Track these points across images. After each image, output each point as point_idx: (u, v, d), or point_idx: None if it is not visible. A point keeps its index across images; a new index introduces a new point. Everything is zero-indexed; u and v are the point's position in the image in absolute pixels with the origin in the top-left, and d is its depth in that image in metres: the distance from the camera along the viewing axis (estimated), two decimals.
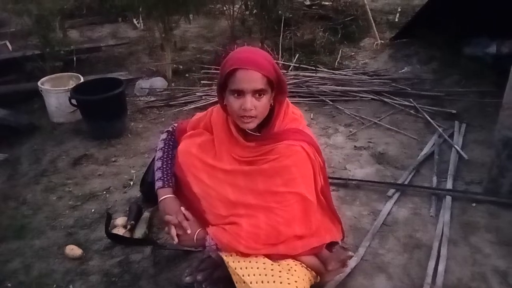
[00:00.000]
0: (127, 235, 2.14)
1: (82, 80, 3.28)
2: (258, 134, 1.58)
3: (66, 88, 3.10)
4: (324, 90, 3.55)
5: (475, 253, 2.03)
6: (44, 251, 2.11)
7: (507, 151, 2.18)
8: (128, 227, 2.17)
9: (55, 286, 1.92)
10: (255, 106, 1.45)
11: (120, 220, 2.21)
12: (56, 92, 3.15)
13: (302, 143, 1.56)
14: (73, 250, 2.07)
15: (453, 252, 2.02)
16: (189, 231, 1.55)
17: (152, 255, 2.05)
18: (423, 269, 1.93)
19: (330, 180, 2.42)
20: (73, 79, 3.34)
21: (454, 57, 3.91)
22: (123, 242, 2.10)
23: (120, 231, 2.15)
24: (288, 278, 1.48)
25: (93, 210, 2.37)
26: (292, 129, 1.59)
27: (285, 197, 1.54)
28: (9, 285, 1.93)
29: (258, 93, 1.44)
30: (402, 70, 3.95)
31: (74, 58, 3.78)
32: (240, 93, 1.43)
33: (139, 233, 2.15)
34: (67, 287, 1.91)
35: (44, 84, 3.21)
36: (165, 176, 1.66)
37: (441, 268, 1.93)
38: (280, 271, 1.50)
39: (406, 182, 2.48)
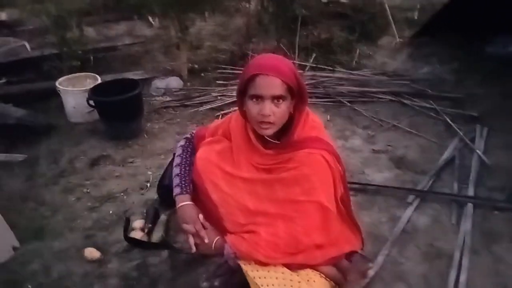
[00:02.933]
0: (145, 238, 2.14)
1: (99, 80, 3.29)
2: (277, 142, 1.57)
3: (84, 88, 3.11)
4: (341, 90, 3.50)
5: (498, 263, 1.98)
6: (63, 253, 2.12)
7: None
8: (146, 230, 2.17)
9: None
10: (274, 112, 1.44)
11: (137, 223, 2.21)
12: (74, 92, 3.16)
13: (322, 151, 1.55)
14: (91, 253, 2.08)
15: (474, 262, 1.98)
16: (206, 241, 1.55)
17: (170, 259, 2.05)
18: (444, 280, 1.90)
19: (349, 185, 2.41)
20: (90, 79, 3.35)
21: (476, 56, 3.83)
22: (141, 245, 2.11)
23: (137, 234, 2.15)
24: None
25: (111, 212, 2.37)
26: (312, 137, 1.58)
27: (304, 206, 1.53)
28: (29, 286, 1.94)
29: (277, 99, 1.43)
30: (422, 71, 3.88)
31: (91, 57, 3.79)
32: (259, 98, 1.43)
33: (156, 236, 2.15)
34: None
35: (62, 84, 3.22)
36: (183, 182, 1.66)
37: (462, 278, 1.89)
38: (299, 282, 1.50)
39: (426, 188, 2.44)
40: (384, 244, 2.09)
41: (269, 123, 1.46)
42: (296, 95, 1.49)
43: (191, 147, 1.77)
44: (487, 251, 2.05)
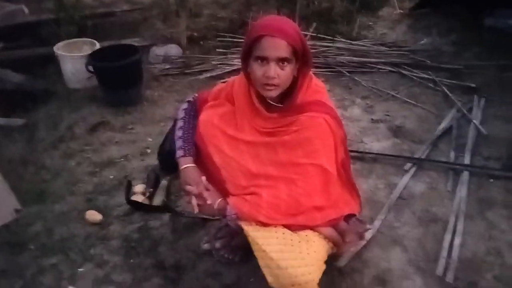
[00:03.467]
0: (146, 202, 2.17)
1: (97, 46, 3.26)
2: (280, 105, 1.58)
3: (83, 54, 3.09)
4: (341, 61, 3.50)
5: (491, 228, 2.04)
6: (65, 216, 2.15)
7: None
8: (147, 194, 2.20)
9: (76, 249, 1.97)
10: (278, 75, 1.43)
11: (138, 188, 2.24)
12: (72, 57, 3.14)
13: (325, 115, 1.55)
14: (93, 215, 2.11)
15: (469, 227, 2.04)
16: (209, 202, 1.56)
17: (171, 222, 2.09)
18: (439, 243, 1.95)
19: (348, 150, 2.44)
20: (88, 45, 3.32)
21: (475, 29, 3.82)
22: (143, 209, 2.14)
23: (138, 198, 2.18)
24: (307, 248, 1.50)
25: (111, 177, 2.39)
26: (315, 101, 1.58)
27: (306, 168, 1.55)
28: (32, 247, 1.98)
29: (282, 61, 1.42)
30: (421, 42, 3.87)
31: (89, 23, 3.73)
32: (264, 60, 1.42)
33: (157, 200, 2.18)
34: (88, 251, 1.96)
35: (60, 49, 3.19)
36: (186, 145, 1.66)
37: (456, 242, 1.94)
38: (299, 241, 1.52)
39: (423, 157, 2.48)
40: (381, 209, 2.14)
41: (273, 85, 1.46)
42: (301, 58, 1.48)
43: (194, 110, 1.77)
44: (481, 217, 2.10)
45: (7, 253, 1.95)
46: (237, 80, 1.68)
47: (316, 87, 1.62)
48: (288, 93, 1.54)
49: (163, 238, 2.02)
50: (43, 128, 2.81)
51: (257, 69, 1.45)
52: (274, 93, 1.49)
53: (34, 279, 1.83)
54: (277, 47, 1.41)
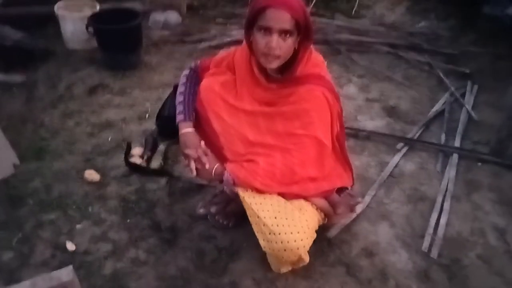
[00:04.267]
0: (144, 165, 2.22)
1: (97, 7, 3.22)
2: (280, 76, 1.62)
3: (83, 14, 3.06)
4: (340, 38, 3.51)
5: (476, 209, 2.12)
6: (63, 174, 2.19)
7: None
8: (145, 157, 2.25)
9: (74, 207, 2.02)
10: (280, 46, 1.47)
11: (136, 150, 2.28)
12: (73, 17, 3.11)
13: (323, 88, 1.60)
14: (91, 174, 2.15)
15: (455, 207, 2.12)
16: (207, 166, 1.61)
17: (167, 186, 2.14)
18: (425, 221, 2.03)
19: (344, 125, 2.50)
20: (88, 5, 3.28)
21: (473, 15, 3.84)
22: (140, 171, 2.19)
23: (136, 161, 2.23)
24: (299, 216, 1.57)
25: (110, 139, 2.43)
26: (314, 75, 1.63)
27: (302, 139, 1.61)
28: (31, 202, 2.03)
29: (285, 33, 1.46)
30: (419, 25, 3.88)
31: None
32: (267, 30, 1.45)
33: (155, 164, 2.23)
34: (86, 209, 2.01)
35: (60, 8, 3.16)
36: (186, 110, 1.70)
37: (443, 221, 2.03)
38: (292, 209, 1.59)
39: (415, 137, 2.54)
40: (372, 185, 2.21)
41: (275, 56, 1.49)
42: (303, 31, 1.51)
43: (195, 76, 1.79)
44: (467, 198, 2.18)
45: (6, 206, 2.00)
46: (239, 50, 1.72)
47: (316, 60, 1.66)
48: (288, 65, 1.58)
49: (160, 201, 2.07)
50: (42, 87, 2.81)
51: (260, 39, 1.48)
52: (274, 64, 1.52)
53: (33, 233, 1.88)
54: (281, 19, 1.44)
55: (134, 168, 2.19)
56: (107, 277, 1.72)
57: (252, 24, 1.50)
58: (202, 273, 1.76)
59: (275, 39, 1.46)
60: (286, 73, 1.60)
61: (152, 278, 1.73)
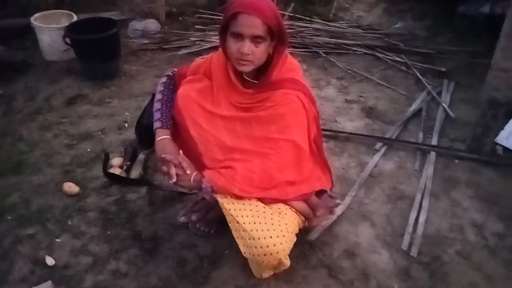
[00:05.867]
0: (123, 175, 2.21)
1: (75, 18, 3.22)
2: (255, 81, 1.63)
3: (60, 25, 3.05)
4: (318, 41, 3.55)
5: (455, 206, 2.15)
6: (42, 187, 2.17)
7: (492, 111, 2.27)
8: (124, 167, 2.24)
9: (54, 220, 2.00)
10: (253, 51, 1.49)
11: (116, 161, 2.27)
12: (49, 29, 3.09)
13: (298, 92, 1.62)
14: (70, 187, 2.13)
15: (434, 204, 2.14)
16: (188, 171, 1.61)
17: (148, 195, 2.13)
18: (405, 219, 2.05)
19: (322, 132, 2.51)
20: (65, 17, 3.27)
21: (448, 14, 3.91)
22: (120, 181, 2.18)
23: (116, 171, 2.22)
24: (279, 220, 1.58)
25: (88, 150, 2.41)
26: (289, 79, 1.64)
27: (279, 143, 1.62)
28: (9, 217, 2.00)
29: (256, 39, 1.47)
30: (396, 25, 3.94)
31: None
32: (239, 36, 1.47)
33: (134, 174, 2.22)
34: (66, 222, 1.99)
35: (37, 20, 3.14)
36: (164, 117, 1.70)
37: (422, 219, 2.05)
38: (271, 214, 1.60)
39: (393, 137, 2.57)
40: (352, 186, 2.23)
41: (247, 60, 1.51)
42: (276, 36, 1.53)
43: (173, 84, 1.80)
44: (445, 195, 2.21)
45: None
46: (215, 56, 1.73)
47: (291, 65, 1.68)
48: (264, 70, 1.60)
49: (140, 211, 2.06)
50: (21, 99, 2.79)
51: (233, 45, 1.50)
52: (247, 68, 1.54)
53: (11, 249, 1.86)
54: (252, 25, 1.45)
55: (113, 179, 2.17)
56: None
57: (226, 30, 1.52)
58: (184, 282, 1.75)
59: (247, 45, 1.47)
60: (262, 78, 1.61)
61: None
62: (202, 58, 1.81)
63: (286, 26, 3.57)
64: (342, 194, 2.17)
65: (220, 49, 1.64)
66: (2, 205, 2.06)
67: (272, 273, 1.75)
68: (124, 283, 1.74)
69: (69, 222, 1.99)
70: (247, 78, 1.63)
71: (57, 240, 1.91)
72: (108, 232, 1.95)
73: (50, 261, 1.80)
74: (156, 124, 1.69)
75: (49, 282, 1.60)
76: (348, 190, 2.20)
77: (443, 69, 3.23)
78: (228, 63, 1.63)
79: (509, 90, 2.21)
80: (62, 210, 2.05)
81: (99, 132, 2.55)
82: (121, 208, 2.07)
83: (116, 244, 1.90)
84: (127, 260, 1.83)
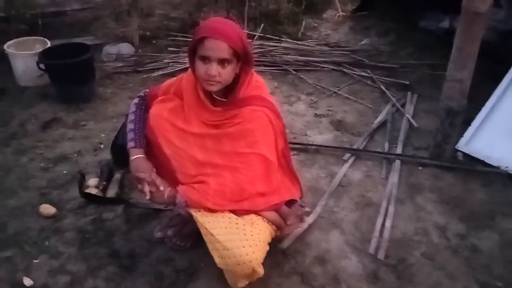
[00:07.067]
0: (100, 195, 2.25)
1: (48, 44, 3.27)
2: (224, 99, 1.72)
3: (33, 52, 3.10)
4: (288, 60, 3.68)
5: (419, 210, 2.26)
6: (19, 210, 2.19)
7: (449, 119, 2.40)
8: (100, 187, 2.28)
9: (31, 242, 2.02)
10: (220, 73, 1.58)
11: (92, 181, 2.31)
12: (23, 55, 3.14)
13: (264, 108, 1.71)
14: (47, 209, 2.16)
15: (399, 210, 2.25)
16: (161, 188, 1.67)
17: (124, 214, 2.18)
18: (373, 225, 2.14)
19: (291, 145, 2.60)
20: (39, 43, 3.33)
21: (410, 30, 4.12)
22: (96, 201, 2.22)
23: (92, 191, 2.26)
24: (251, 231, 1.65)
25: (65, 172, 2.45)
26: (255, 96, 1.73)
27: (248, 157, 1.70)
28: None
29: (223, 61, 1.57)
30: (362, 42, 4.13)
31: (39, 21, 3.73)
32: (207, 59, 1.56)
33: (111, 193, 2.26)
34: (43, 243, 2.02)
35: (10, 47, 3.19)
36: (137, 137, 1.76)
37: (388, 224, 2.15)
38: (244, 225, 1.67)
39: (361, 148, 2.69)
40: (322, 196, 2.32)
41: (215, 81, 1.60)
42: (242, 58, 1.62)
43: (145, 105, 1.86)
44: (410, 200, 2.32)
45: None
46: (185, 76, 1.81)
47: (257, 83, 1.77)
48: (231, 89, 1.69)
49: (117, 229, 2.10)
50: None
51: (201, 67, 1.59)
52: (215, 88, 1.63)
53: None
54: (219, 48, 1.55)
55: (90, 198, 2.22)
56: None
57: (194, 52, 1.61)
58: None
59: (214, 67, 1.57)
60: (230, 96, 1.71)
61: None
62: (172, 79, 1.90)
63: (256, 46, 3.74)
64: (313, 203, 2.26)
65: (189, 70, 1.74)
66: None
67: (247, 282, 1.81)
68: None
69: (47, 243, 2.02)
70: (216, 96, 1.72)
71: (35, 261, 1.93)
72: (86, 251, 1.98)
73: (28, 281, 1.82)
74: (130, 144, 1.75)
75: None
76: (319, 200, 2.29)
77: (406, 82, 3.40)
78: (197, 83, 1.71)
79: (463, 99, 2.35)
80: (39, 232, 2.08)
81: (75, 154, 2.59)
82: (98, 227, 2.11)
83: (94, 262, 1.93)
84: (105, 278, 1.86)
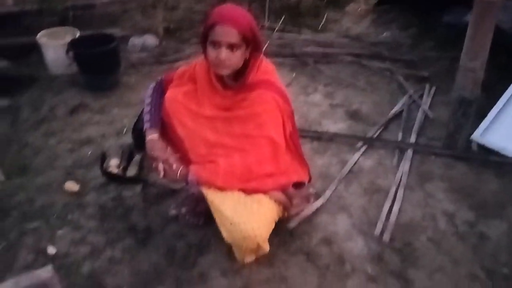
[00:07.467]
0: (120, 174, 2.38)
1: (78, 34, 3.44)
2: (235, 84, 1.81)
3: (64, 41, 3.27)
4: (307, 51, 3.74)
5: (428, 197, 2.28)
6: (45, 187, 2.35)
7: (462, 109, 2.42)
8: (121, 168, 2.42)
9: (55, 216, 2.17)
10: (229, 58, 1.67)
11: (113, 162, 2.44)
12: (54, 45, 3.32)
13: (272, 93, 1.79)
14: (71, 186, 2.32)
15: (408, 196, 2.28)
16: (174, 166, 1.78)
17: (142, 193, 2.30)
18: (380, 210, 2.19)
19: (305, 133, 2.68)
20: (69, 33, 3.50)
21: (433, 24, 4.09)
22: (117, 180, 2.35)
23: (113, 170, 2.39)
24: (258, 208, 1.73)
25: (89, 153, 2.60)
26: (264, 80, 1.81)
27: (256, 140, 1.78)
28: (15, 214, 2.18)
29: (232, 46, 1.66)
30: (382, 35, 4.13)
31: (70, 14, 3.91)
32: (217, 44, 1.66)
33: (131, 173, 2.39)
34: (66, 217, 2.17)
35: (42, 37, 3.37)
36: (153, 119, 1.88)
37: (395, 208, 2.18)
38: (251, 202, 1.75)
39: (374, 137, 2.73)
40: (333, 182, 2.38)
41: (225, 66, 1.69)
42: (252, 43, 1.71)
43: (161, 89, 1.97)
44: (420, 188, 2.34)
45: None
46: (199, 62, 1.91)
47: (266, 68, 1.85)
48: (241, 74, 1.78)
49: (135, 206, 2.23)
50: (26, 110, 3.01)
51: (211, 52, 1.69)
52: (225, 72, 1.72)
53: (16, 241, 2.03)
54: (228, 34, 1.64)
55: (110, 177, 2.35)
56: (85, 275, 1.88)
57: (205, 39, 1.71)
58: (173, 268, 1.91)
59: (223, 52, 1.66)
60: (240, 81, 1.80)
61: (127, 274, 1.88)
62: (187, 65, 2.00)
63: (276, 37, 3.78)
64: (323, 189, 2.31)
65: (202, 56, 1.83)
66: (9, 203, 2.24)
67: (254, 257, 1.91)
68: (118, 268, 1.91)
69: (70, 217, 2.17)
70: (227, 81, 1.82)
71: (59, 232, 2.08)
72: (105, 225, 2.12)
73: (51, 250, 1.98)
74: (146, 125, 1.87)
75: (50, 267, 1.75)
76: (329, 185, 2.35)
77: (425, 75, 3.39)
78: (209, 68, 1.81)
79: (476, 89, 2.37)
80: (63, 207, 2.23)
81: (99, 138, 2.74)
82: (118, 204, 2.24)
83: (112, 235, 2.07)
84: (122, 249, 1.99)
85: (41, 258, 1.95)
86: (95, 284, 1.84)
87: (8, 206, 2.23)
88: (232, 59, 1.68)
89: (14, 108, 3.01)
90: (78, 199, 2.28)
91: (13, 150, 2.63)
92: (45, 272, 1.75)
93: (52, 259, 1.94)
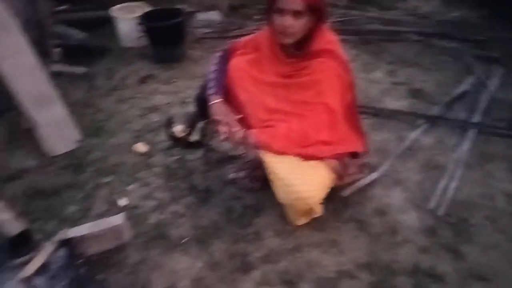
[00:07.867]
0: (184, 138, 2.53)
1: (147, 9, 3.63)
2: (297, 52, 1.87)
3: (135, 15, 3.47)
4: (371, 29, 3.70)
5: (487, 177, 2.24)
6: (117, 147, 2.55)
7: None
8: (185, 133, 2.56)
9: (126, 173, 2.36)
10: (293, 25, 1.73)
11: (178, 127, 2.59)
12: (126, 19, 3.53)
13: (333, 61, 1.83)
14: (140, 147, 2.50)
15: (466, 174, 2.25)
16: (236, 129, 1.88)
17: (204, 157, 2.44)
18: (436, 186, 2.18)
19: (364, 109, 2.69)
20: (140, 7, 3.68)
21: (507, 4, 3.89)
22: (181, 143, 2.50)
23: (178, 135, 2.54)
24: (312, 174, 1.80)
25: (156, 119, 2.78)
26: (327, 49, 1.85)
27: (315, 106, 1.84)
28: (91, 169, 2.40)
29: (296, 14, 1.71)
30: (452, 14, 3.99)
31: None
32: (281, 12, 1.72)
33: (194, 138, 2.53)
34: (135, 175, 2.35)
35: (115, 11, 3.59)
36: (217, 85, 1.97)
37: (452, 185, 2.17)
38: (306, 167, 1.81)
39: (436, 115, 2.68)
40: (390, 157, 2.40)
41: (289, 33, 1.76)
42: (316, 12, 1.76)
43: (226, 58, 2.07)
44: (480, 167, 2.31)
45: (71, 172, 2.38)
46: (263, 32, 1.99)
47: (329, 38, 1.89)
48: (304, 42, 1.84)
49: (197, 169, 2.38)
50: (100, 78, 3.24)
51: (276, 20, 1.75)
52: (289, 40, 1.79)
53: (92, 192, 2.25)
54: (293, 1, 1.70)
55: (175, 141, 2.51)
56: (152, 225, 2.05)
57: (271, 7, 1.78)
58: (230, 225, 2.04)
59: (288, 19, 1.72)
60: (302, 49, 1.85)
61: (188, 227, 2.03)
62: (251, 35, 2.08)
63: (341, 14, 3.74)
64: (380, 164, 2.33)
65: (266, 26, 1.91)
66: (86, 159, 2.46)
67: (306, 220, 1.99)
68: (181, 221, 2.06)
69: (139, 175, 2.35)
70: (290, 49, 1.88)
71: (129, 187, 2.27)
72: (170, 184, 2.28)
73: (122, 202, 2.17)
74: (210, 91, 1.98)
75: (122, 215, 1.94)
76: (385, 160, 2.36)
77: (495, 55, 3.26)
78: (273, 37, 1.88)
79: None
80: (133, 165, 2.42)
81: (166, 106, 2.91)
82: (181, 166, 2.40)
83: (176, 193, 2.22)
84: (185, 205, 2.15)
85: (114, 209, 2.14)
86: (160, 234, 2.00)
87: (85, 162, 2.45)
88: (296, 26, 1.74)
89: (89, 75, 3.24)
90: (146, 159, 2.45)
91: (89, 113, 2.85)
92: (118, 220, 1.95)
93: (123, 210, 2.12)
